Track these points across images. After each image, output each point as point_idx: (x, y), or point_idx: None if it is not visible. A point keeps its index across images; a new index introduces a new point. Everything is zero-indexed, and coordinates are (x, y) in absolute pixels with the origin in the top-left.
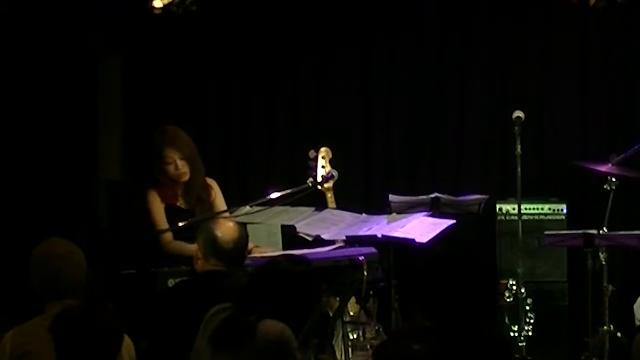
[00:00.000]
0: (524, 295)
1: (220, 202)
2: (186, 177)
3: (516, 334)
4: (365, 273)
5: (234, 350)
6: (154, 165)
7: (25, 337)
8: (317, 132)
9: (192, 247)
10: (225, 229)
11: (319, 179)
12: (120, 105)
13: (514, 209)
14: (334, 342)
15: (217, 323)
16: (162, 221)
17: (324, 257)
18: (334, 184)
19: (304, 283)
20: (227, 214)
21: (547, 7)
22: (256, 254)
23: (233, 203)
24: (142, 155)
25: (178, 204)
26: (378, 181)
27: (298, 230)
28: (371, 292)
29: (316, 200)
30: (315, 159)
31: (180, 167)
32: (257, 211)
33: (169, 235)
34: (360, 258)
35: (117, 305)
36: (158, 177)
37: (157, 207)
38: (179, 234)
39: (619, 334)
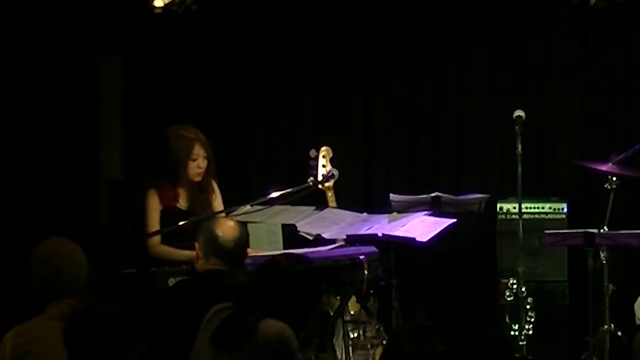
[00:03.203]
0: (524, 295)
1: (218, 204)
2: (200, 178)
3: (517, 333)
4: (365, 272)
5: (234, 349)
6: (178, 161)
7: (25, 337)
8: (317, 132)
9: (178, 253)
10: (226, 228)
11: (320, 178)
12: (120, 105)
13: (514, 208)
14: (334, 341)
15: (218, 322)
16: (154, 224)
17: (324, 256)
18: (334, 183)
19: (305, 282)
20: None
21: (547, 7)
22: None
23: (233, 203)
24: (163, 150)
25: (178, 205)
26: (378, 180)
27: (299, 229)
28: (372, 291)
29: (317, 200)
30: (316, 158)
31: (202, 165)
32: (257, 210)
33: (156, 239)
34: (361, 257)
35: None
36: (179, 174)
37: (153, 209)
38: (176, 235)
39: (619, 333)
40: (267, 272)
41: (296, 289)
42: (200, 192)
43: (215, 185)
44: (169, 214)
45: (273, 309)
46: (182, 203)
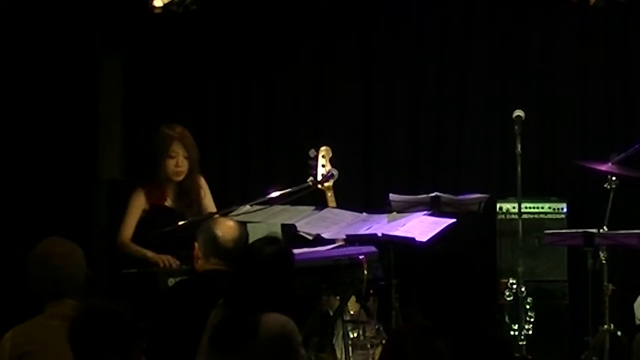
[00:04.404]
0: (524, 294)
1: (208, 202)
2: (181, 177)
3: (516, 333)
4: (365, 272)
5: (238, 346)
6: (155, 158)
7: (25, 337)
8: (317, 132)
9: (140, 251)
10: (226, 228)
11: (319, 178)
12: (120, 105)
13: (514, 208)
14: (334, 341)
15: (218, 319)
16: (130, 220)
17: (324, 256)
18: (334, 183)
19: (279, 262)
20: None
21: (547, 7)
22: None
23: (233, 202)
24: (146, 147)
25: (166, 203)
26: (378, 180)
27: (298, 229)
28: (371, 291)
29: (316, 199)
30: (316, 158)
31: (180, 164)
32: (257, 210)
33: (127, 235)
34: (361, 257)
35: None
36: (156, 171)
37: (135, 207)
38: (171, 235)
39: (619, 333)
40: (243, 257)
41: (271, 269)
42: (183, 191)
43: (203, 183)
44: (156, 212)
45: (257, 294)
46: (170, 201)
